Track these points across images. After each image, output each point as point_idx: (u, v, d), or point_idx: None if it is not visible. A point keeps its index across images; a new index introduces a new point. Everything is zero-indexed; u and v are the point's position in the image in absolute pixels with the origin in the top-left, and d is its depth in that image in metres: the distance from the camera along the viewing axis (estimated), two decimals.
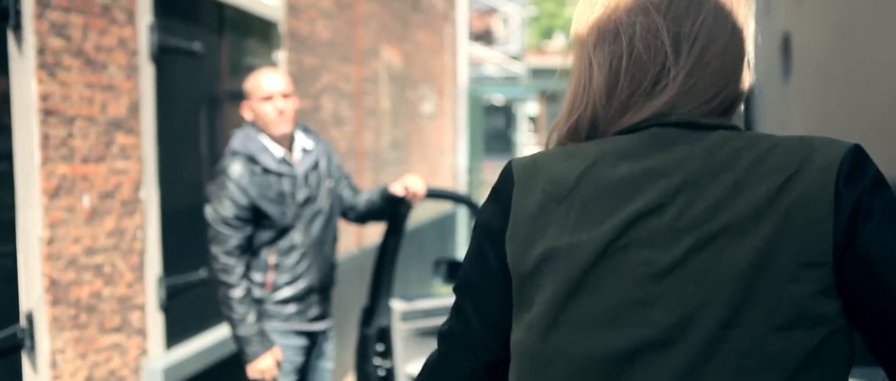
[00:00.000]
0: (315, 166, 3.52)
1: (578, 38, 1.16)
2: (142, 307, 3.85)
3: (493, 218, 1.11)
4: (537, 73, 32.27)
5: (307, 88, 5.79)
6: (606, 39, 1.11)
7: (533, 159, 1.12)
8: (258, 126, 3.44)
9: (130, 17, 3.71)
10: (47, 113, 3.15)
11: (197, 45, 4.27)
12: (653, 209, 1.02)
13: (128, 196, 3.71)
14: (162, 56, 3.92)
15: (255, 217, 3.35)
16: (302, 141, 3.53)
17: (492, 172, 17.00)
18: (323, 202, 3.51)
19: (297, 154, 3.50)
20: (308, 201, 3.45)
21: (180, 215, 4.17)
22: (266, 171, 3.36)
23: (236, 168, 3.33)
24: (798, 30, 9.81)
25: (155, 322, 3.95)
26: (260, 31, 5.13)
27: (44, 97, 3.12)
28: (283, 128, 3.42)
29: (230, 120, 4.66)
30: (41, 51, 3.11)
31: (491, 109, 31.52)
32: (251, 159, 3.35)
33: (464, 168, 11.55)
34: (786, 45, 10.43)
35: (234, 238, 3.31)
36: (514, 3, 32.23)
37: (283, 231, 3.39)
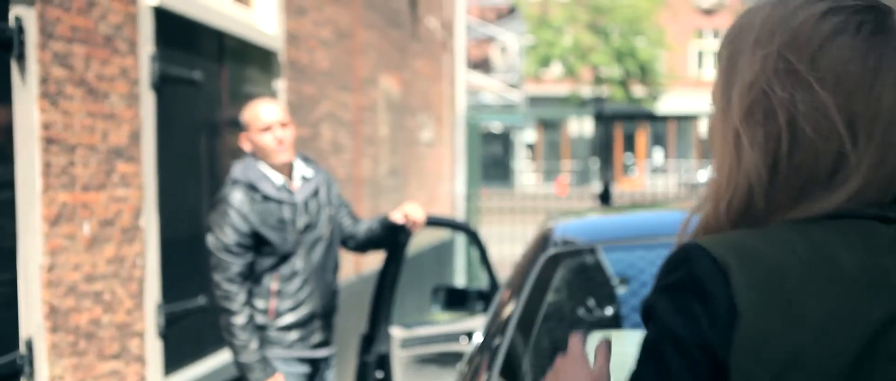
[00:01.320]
0: (315, 194, 3.55)
1: (717, 100, 0.99)
2: (141, 334, 3.87)
3: (700, 325, 0.87)
4: (535, 101, 32.42)
5: (306, 116, 5.83)
6: (757, 113, 0.94)
7: (736, 245, 0.90)
8: (258, 156, 3.47)
9: (132, 46, 3.75)
10: (49, 141, 3.18)
11: (197, 74, 4.32)
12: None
13: (128, 224, 3.74)
14: (163, 85, 3.97)
15: (257, 244, 3.38)
16: (301, 169, 3.57)
17: (489, 200, 17.04)
18: (323, 229, 3.53)
19: (296, 182, 3.52)
20: (308, 227, 3.48)
21: (180, 243, 4.20)
22: (266, 198, 3.40)
23: (237, 196, 3.37)
24: None
25: (153, 349, 3.96)
26: (260, 60, 5.18)
27: (46, 126, 3.16)
28: (283, 157, 3.46)
29: (230, 148, 4.70)
30: (44, 80, 3.15)
31: (489, 137, 31.66)
32: (251, 187, 3.39)
33: (462, 195, 11.59)
34: None
35: (236, 265, 3.33)
36: (511, 31, 32.44)
37: (284, 258, 3.43)
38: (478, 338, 2.53)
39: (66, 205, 3.31)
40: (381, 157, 7.80)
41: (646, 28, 27.93)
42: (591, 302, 2.92)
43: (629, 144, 34.14)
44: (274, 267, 3.43)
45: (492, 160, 31.67)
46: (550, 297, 2.67)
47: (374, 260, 7.41)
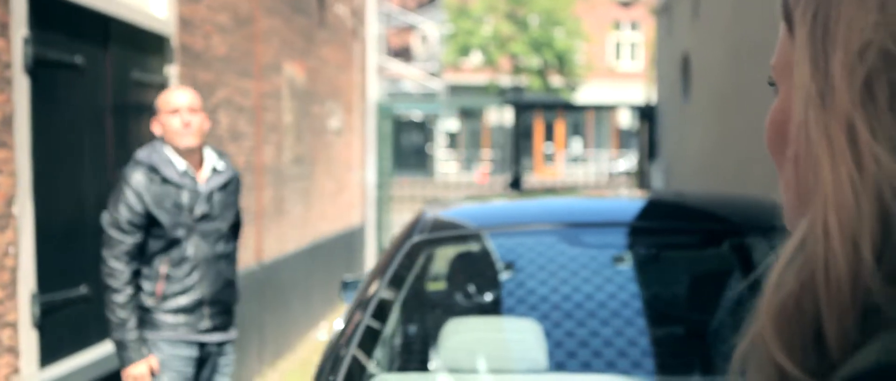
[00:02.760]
0: (223, 188, 3.69)
1: (799, 81, 0.64)
2: (13, 325, 3.78)
3: None
4: (455, 89, 32.54)
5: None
6: (879, 91, 0.59)
7: None
8: (166, 140, 3.58)
9: (3, 29, 3.65)
10: None
11: (79, 59, 4.22)
12: None
13: None
14: (38, 69, 3.87)
15: (148, 225, 3.48)
16: (213, 160, 3.70)
17: (405, 188, 17.07)
18: (222, 223, 3.67)
19: (205, 172, 3.66)
20: (206, 217, 3.60)
21: (59, 231, 4.11)
22: (165, 181, 3.50)
23: (136, 176, 3.48)
24: (696, 51, 10.12)
25: (28, 340, 3.87)
26: (149, 45, 5.08)
27: None
28: (188, 140, 3.56)
29: (116, 134, 4.61)
30: None
31: (408, 125, 31.67)
32: (152, 169, 3.50)
33: (373, 184, 11.58)
34: (685, 66, 10.75)
35: (125, 244, 3.42)
36: (432, 20, 32.45)
37: (175, 242, 3.53)
38: (339, 325, 2.54)
39: None
40: (285, 144, 7.74)
41: (564, 19, 28.24)
42: (451, 287, 2.96)
43: (549, 134, 34.50)
44: (164, 250, 3.52)
45: (411, 149, 31.68)
46: (410, 282, 2.70)
47: (276, 249, 7.37)
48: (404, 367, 2.66)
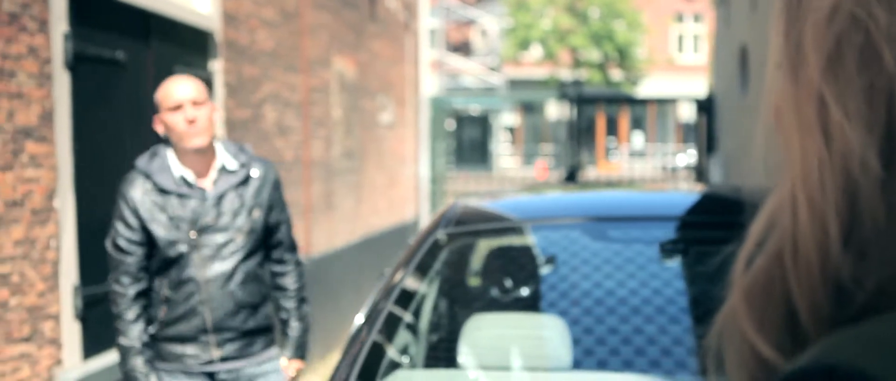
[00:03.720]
0: (238, 187, 3.07)
1: (781, 52, 0.60)
2: (56, 317, 3.83)
3: None
4: (515, 83, 32.39)
5: (247, 97, 5.79)
6: (847, 60, 0.55)
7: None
8: (172, 140, 3.05)
9: (43, 25, 3.69)
10: None
11: (120, 54, 4.26)
12: None
13: (39, 205, 3.69)
14: (79, 65, 3.91)
15: (149, 241, 3.01)
16: (224, 158, 3.09)
17: (464, 183, 17.02)
18: (236, 233, 3.03)
19: (212, 173, 3.07)
20: (212, 228, 3.01)
21: (101, 225, 4.15)
22: (163, 191, 3.00)
23: (131, 187, 3.02)
24: (755, 43, 9.89)
25: (71, 332, 3.92)
26: (192, 40, 5.12)
27: None
28: (196, 140, 3.00)
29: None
30: None
31: (467, 120, 31.64)
32: (147, 177, 3.03)
33: (426, 178, 11.56)
34: (743, 58, 10.51)
35: (125, 264, 2.99)
36: (491, 14, 32.35)
37: (175, 260, 3.01)
38: (360, 319, 2.50)
39: None
40: (334, 139, 7.75)
41: (624, 11, 27.90)
42: (476, 282, 2.90)
43: (611, 128, 34.16)
44: (164, 270, 3.03)
45: (471, 144, 31.66)
46: (432, 276, 2.65)
47: (325, 243, 7.39)
48: (423, 362, 2.62)
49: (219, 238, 3.01)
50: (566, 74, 29.13)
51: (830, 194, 0.54)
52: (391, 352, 2.46)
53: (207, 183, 3.05)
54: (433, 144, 11.76)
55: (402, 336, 2.67)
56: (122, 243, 2.98)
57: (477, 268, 2.91)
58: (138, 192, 3.00)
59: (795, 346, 0.55)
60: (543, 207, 3.05)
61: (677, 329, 2.27)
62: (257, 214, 3.07)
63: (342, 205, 7.98)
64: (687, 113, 32.01)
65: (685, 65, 33.39)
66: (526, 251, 2.98)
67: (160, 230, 2.98)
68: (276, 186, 3.15)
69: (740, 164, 10.11)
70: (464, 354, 2.34)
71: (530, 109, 34.49)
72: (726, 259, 0.62)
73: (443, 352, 2.66)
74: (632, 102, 21.22)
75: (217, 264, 3.01)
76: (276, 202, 3.14)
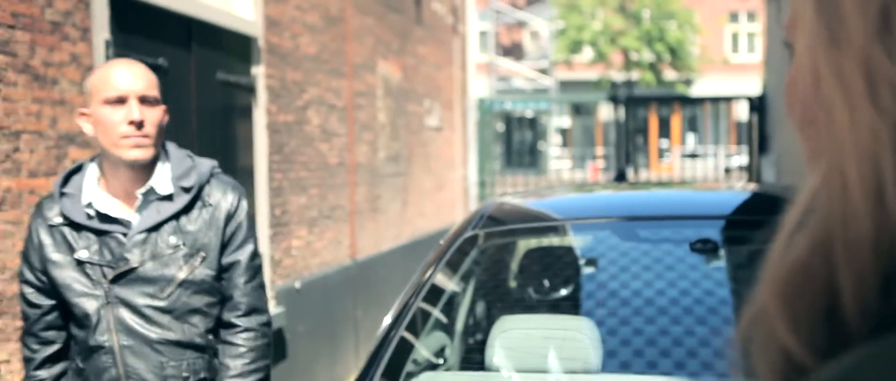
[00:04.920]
0: (178, 220, 2.22)
1: (807, 22, 0.55)
2: None
3: None
4: (566, 85, 32.23)
5: (291, 102, 5.83)
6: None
7: None
8: (101, 146, 2.22)
9: (85, 33, 3.76)
10: None
11: (162, 61, 4.32)
12: None
13: None
14: None
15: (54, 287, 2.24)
16: (161, 178, 2.23)
17: (514, 186, 16.97)
18: (165, 285, 2.19)
19: (137, 201, 2.22)
20: (134, 277, 2.18)
21: None
22: (72, 223, 2.21)
23: (39, 216, 2.26)
24: None
25: None
26: (235, 45, 5.17)
27: None
28: (139, 153, 2.17)
29: (201, 135, 4.71)
30: None
31: (520, 123, 31.56)
32: (53, 205, 2.25)
33: (474, 182, 11.55)
34: None
35: (29, 319, 2.28)
36: (541, 17, 32.25)
37: (84, 320, 2.20)
38: (388, 319, 2.50)
39: (10, 191, 3.33)
40: (380, 142, 7.78)
41: (676, 11, 27.59)
42: (500, 281, 2.88)
43: (665, 130, 33.80)
44: (74, 333, 2.26)
45: (523, 147, 31.56)
46: (464, 275, 2.64)
47: (371, 246, 7.41)
48: (458, 363, 2.60)
49: (142, 291, 2.17)
50: (618, 76, 28.91)
51: (888, 167, 0.49)
52: (422, 352, 2.45)
53: (132, 213, 2.22)
54: (481, 148, 11.74)
55: (436, 336, 2.66)
56: (27, 291, 2.26)
57: (512, 267, 2.89)
58: (42, 223, 2.23)
59: (832, 345, 0.50)
60: (578, 206, 3.02)
61: (703, 331, 2.23)
62: (201, 258, 2.22)
63: (388, 209, 8.00)
64: (743, 113, 31.55)
65: (740, 64, 32.92)
66: (562, 252, 2.95)
67: (65, 277, 2.18)
68: (239, 221, 2.28)
69: (793, 163, 9.92)
70: (491, 356, 2.32)
71: (582, 111, 34.28)
72: (760, 257, 0.58)
73: (474, 353, 2.64)
74: (683, 101, 20.95)
75: (140, 327, 2.17)
76: (236, 239, 2.27)
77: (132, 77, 2.20)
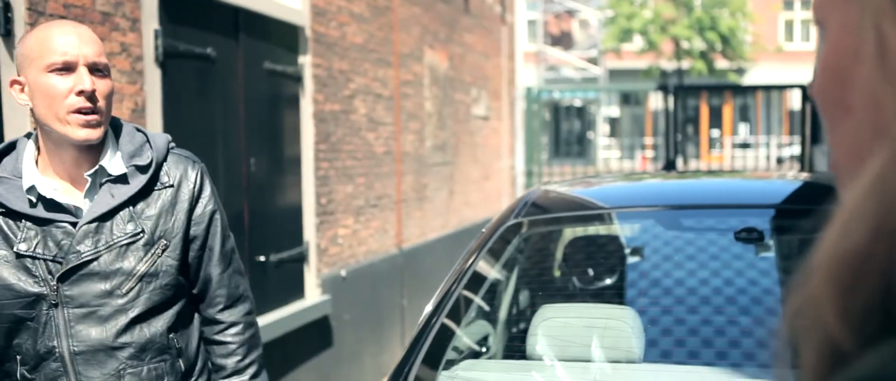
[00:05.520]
0: (134, 204, 1.91)
1: None
2: None
3: None
4: (616, 74, 31.97)
5: (338, 91, 5.86)
6: None
7: None
8: (39, 121, 1.87)
9: (134, 23, 3.82)
10: None
11: (210, 50, 4.37)
12: None
13: None
14: (169, 61, 4.03)
15: None
16: (110, 158, 1.92)
17: (562, 176, 16.89)
18: (124, 279, 1.89)
19: (86, 183, 1.91)
20: (85, 272, 1.87)
21: None
22: (9, 212, 1.87)
23: None
24: None
25: None
26: (282, 35, 5.21)
27: None
28: (88, 132, 1.84)
29: (248, 123, 4.75)
30: None
31: (568, 112, 31.37)
32: None
33: (521, 171, 11.51)
34: None
35: None
36: (591, 6, 31.99)
37: (27, 323, 1.89)
38: (429, 307, 2.50)
39: None
40: (426, 132, 7.79)
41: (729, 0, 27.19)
42: (542, 270, 2.87)
43: (716, 120, 33.38)
44: (14, 338, 1.91)
45: (572, 136, 31.39)
46: (506, 262, 2.63)
47: (417, 235, 7.43)
48: (492, 352, 2.60)
49: (96, 288, 1.87)
50: (668, 65, 28.59)
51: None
52: (464, 339, 2.46)
53: (76, 197, 1.91)
54: (528, 137, 11.70)
55: (479, 325, 2.66)
56: None
57: (556, 256, 2.88)
58: None
59: (884, 334, 0.48)
60: (622, 194, 2.99)
61: (746, 321, 2.20)
62: (163, 247, 1.93)
63: (435, 198, 8.01)
64: (795, 102, 31.01)
65: (794, 51, 32.36)
66: (606, 240, 2.93)
67: (4, 274, 1.86)
68: (205, 200, 2.00)
69: None
70: (533, 345, 2.32)
71: (631, 100, 33.98)
72: (809, 246, 0.56)
73: (516, 342, 2.64)
74: (734, 90, 20.64)
75: (93, 329, 1.87)
76: (202, 222, 1.99)
77: (80, 41, 1.85)
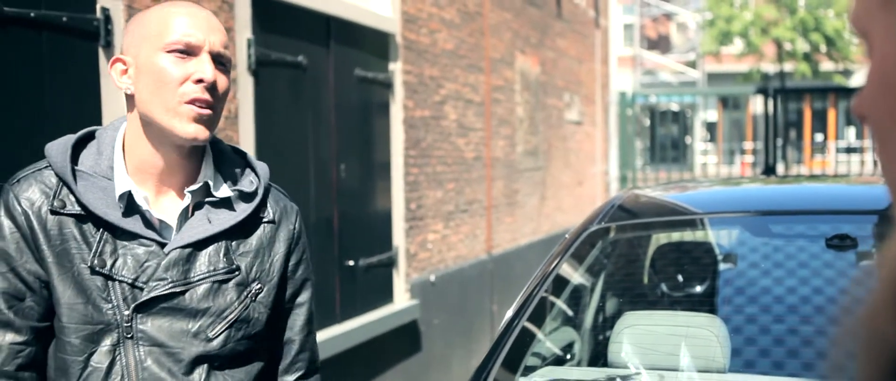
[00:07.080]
0: (231, 237, 1.57)
1: None
2: None
3: None
4: (715, 78, 31.30)
5: (428, 97, 5.90)
6: None
7: None
8: (142, 113, 1.52)
9: (227, 32, 3.92)
10: None
11: (301, 58, 4.46)
12: None
13: None
14: (261, 69, 4.12)
15: (43, 312, 1.51)
16: (215, 179, 1.60)
17: (658, 182, 16.63)
18: (214, 321, 1.53)
19: (185, 200, 1.55)
20: (169, 305, 1.51)
21: None
22: (87, 216, 1.49)
23: (21, 197, 1.50)
24: None
25: None
26: (372, 42, 5.27)
27: None
28: (195, 128, 1.49)
29: (339, 130, 4.82)
30: None
31: (664, 117, 30.88)
32: (63, 182, 1.51)
33: (615, 176, 11.38)
34: None
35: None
36: (689, 9, 31.42)
37: (88, 359, 1.49)
38: (510, 312, 2.49)
39: None
40: (517, 137, 7.77)
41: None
42: (627, 276, 2.82)
43: (821, 124, 32.35)
44: (67, 375, 1.51)
45: (669, 141, 30.86)
46: (591, 267, 2.60)
47: (508, 240, 7.41)
48: (576, 358, 2.57)
49: (178, 326, 1.52)
50: (770, 67, 27.86)
51: None
52: (547, 344, 2.44)
53: (171, 215, 1.56)
54: (623, 142, 11.55)
55: (563, 330, 2.64)
56: None
57: (643, 261, 2.83)
58: (33, 208, 1.49)
59: None
60: (711, 199, 2.93)
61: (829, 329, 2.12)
62: (257, 291, 1.60)
63: (526, 203, 7.98)
64: None
65: None
66: (692, 246, 2.87)
67: (69, 295, 1.48)
68: (303, 249, 1.71)
69: None
70: (616, 352, 2.28)
71: (730, 104, 33.24)
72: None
73: (599, 348, 2.61)
74: (839, 92, 19.94)
75: (167, 375, 1.51)
76: (298, 274, 1.69)
77: (209, 26, 1.53)
